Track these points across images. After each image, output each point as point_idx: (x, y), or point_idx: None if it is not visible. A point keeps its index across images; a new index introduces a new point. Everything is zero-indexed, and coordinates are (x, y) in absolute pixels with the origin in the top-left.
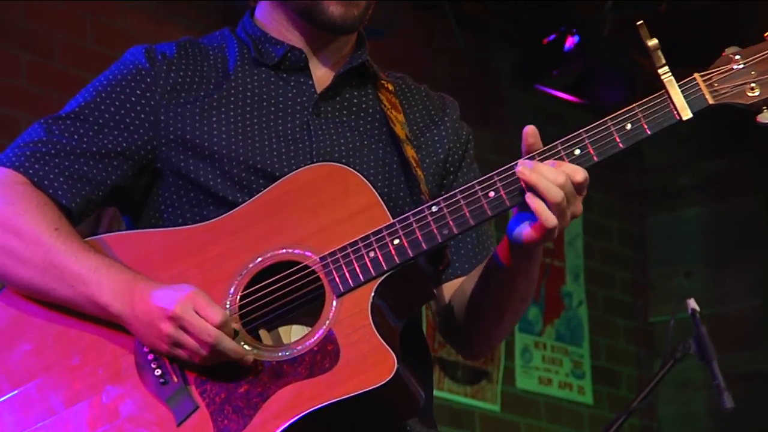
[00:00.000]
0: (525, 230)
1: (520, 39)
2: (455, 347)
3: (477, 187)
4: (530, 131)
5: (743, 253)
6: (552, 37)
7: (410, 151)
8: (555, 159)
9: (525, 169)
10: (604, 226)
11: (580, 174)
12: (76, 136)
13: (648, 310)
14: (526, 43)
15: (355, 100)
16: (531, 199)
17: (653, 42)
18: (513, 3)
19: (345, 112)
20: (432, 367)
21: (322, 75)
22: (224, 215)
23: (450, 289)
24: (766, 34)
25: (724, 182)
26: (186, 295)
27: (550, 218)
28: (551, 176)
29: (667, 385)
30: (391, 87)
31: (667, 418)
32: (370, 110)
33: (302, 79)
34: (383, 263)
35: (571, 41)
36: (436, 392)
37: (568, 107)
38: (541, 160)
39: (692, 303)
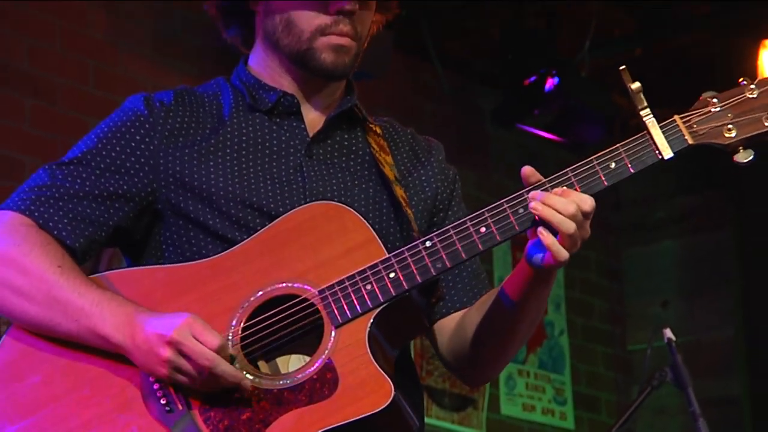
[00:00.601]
0: (544, 256)
1: (502, 80)
2: (463, 378)
3: (469, 223)
4: (529, 171)
5: (716, 285)
6: (533, 78)
7: (399, 191)
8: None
9: (538, 204)
10: (583, 257)
11: (588, 204)
12: (78, 180)
13: (626, 339)
14: (508, 84)
15: (345, 143)
16: (543, 236)
17: (636, 85)
18: (496, 45)
19: (336, 154)
20: (423, 394)
21: (313, 119)
22: (225, 252)
23: (451, 322)
24: (740, 80)
25: (697, 217)
26: (183, 321)
27: (560, 252)
28: (562, 208)
29: (645, 410)
30: (379, 130)
31: None
32: (360, 152)
33: (295, 123)
34: (380, 295)
35: (551, 82)
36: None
37: (549, 146)
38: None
39: (668, 332)
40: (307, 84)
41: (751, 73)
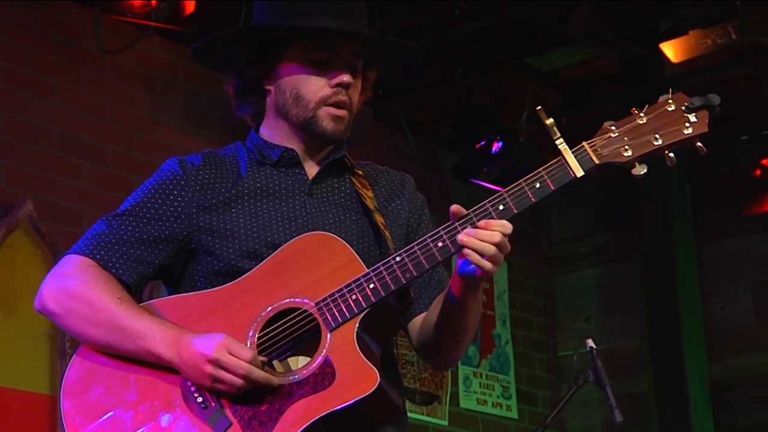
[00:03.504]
0: (471, 269)
1: (459, 144)
2: (428, 363)
3: (429, 240)
4: (455, 209)
5: (627, 304)
6: (482, 142)
7: (379, 218)
8: (485, 215)
9: (466, 238)
10: (524, 283)
11: (508, 227)
12: (130, 228)
13: (557, 347)
14: (463, 147)
15: (336, 185)
16: (470, 255)
17: (550, 120)
18: (454, 116)
19: (330, 193)
20: (402, 382)
21: (311, 166)
22: (240, 278)
23: (419, 321)
24: (632, 110)
25: (612, 251)
26: (220, 341)
27: (487, 266)
28: (486, 237)
29: (573, 404)
30: (361, 172)
31: (573, 429)
32: (348, 191)
33: (297, 171)
34: (362, 302)
35: (496, 146)
36: None
37: None
38: (476, 217)
39: (590, 342)
40: (310, 144)
41: None
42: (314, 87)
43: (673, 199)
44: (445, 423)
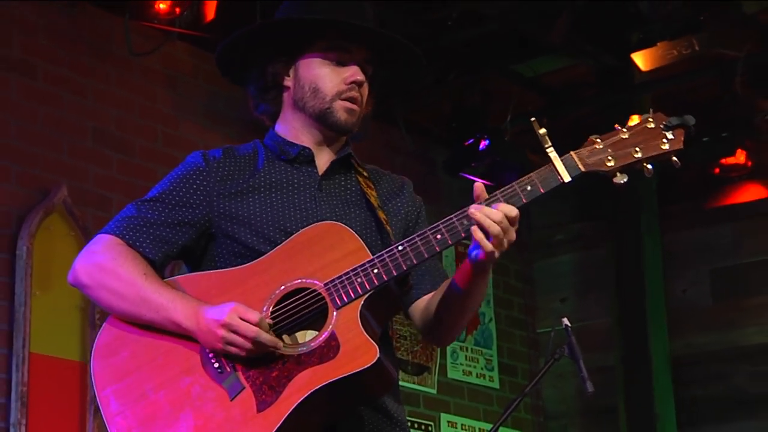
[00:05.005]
0: (478, 252)
1: (450, 141)
2: (431, 341)
3: (428, 232)
4: (479, 187)
5: (599, 287)
6: (471, 140)
7: (381, 214)
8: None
9: (476, 211)
10: (506, 267)
11: (513, 211)
12: (157, 212)
13: (536, 325)
14: (454, 144)
15: (343, 181)
16: (474, 232)
17: (542, 130)
18: (446, 116)
19: (337, 188)
20: (397, 363)
21: (322, 164)
22: (258, 259)
23: (421, 304)
24: (615, 125)
25: (586, 239)
26: (231, 308)
27: (487, 245)
28: (492, 216)
29: (549, 376)
30: (365, 172)
31: (549, 398)
32: (353, 187)
33: (310, 168)
34: (367, 285)
35: (483, 144)
36: None
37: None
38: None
39: (565, 320)
40: (322, 137)
41: None
42: (331, 83)
43: (641, 193)
44: (434, 391)
